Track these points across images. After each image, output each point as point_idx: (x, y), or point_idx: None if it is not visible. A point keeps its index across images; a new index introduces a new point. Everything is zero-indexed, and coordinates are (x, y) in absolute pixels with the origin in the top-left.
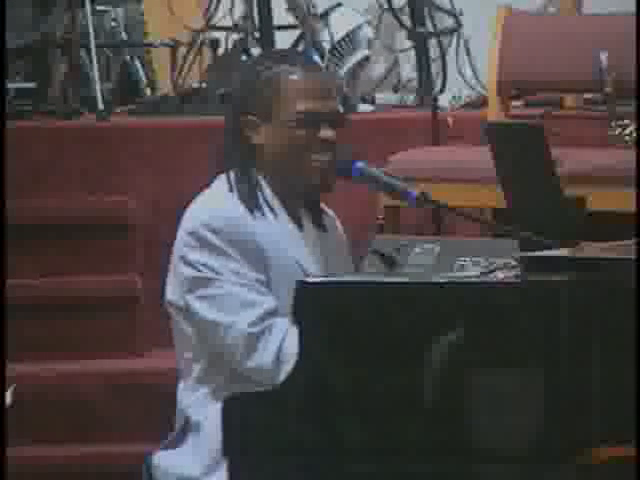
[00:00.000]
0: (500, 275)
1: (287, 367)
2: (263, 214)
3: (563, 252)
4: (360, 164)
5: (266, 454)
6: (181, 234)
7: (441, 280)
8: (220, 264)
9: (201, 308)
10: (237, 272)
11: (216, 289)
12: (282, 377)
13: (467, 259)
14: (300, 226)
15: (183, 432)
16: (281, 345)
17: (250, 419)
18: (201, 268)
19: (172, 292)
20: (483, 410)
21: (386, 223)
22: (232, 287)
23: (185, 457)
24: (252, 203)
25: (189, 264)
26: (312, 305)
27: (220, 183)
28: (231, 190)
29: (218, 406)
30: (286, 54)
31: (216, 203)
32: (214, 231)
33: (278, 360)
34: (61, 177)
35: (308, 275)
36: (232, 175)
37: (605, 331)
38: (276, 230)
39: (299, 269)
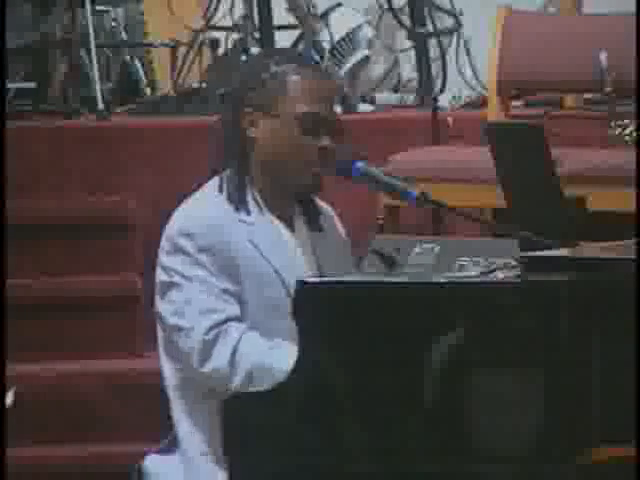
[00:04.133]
0: (500, 275)
1: (241, 370)
2: (249, 214)
3: (563, 252)
4: (360, 164)
5: (266, 454)
6: (162, 238)
7: (441, 280)
8: (189, 271)
9: (165, 312)
10: (204, 280)
11: (180, 295)
12: (237, 379)
13: (467, 259)
14: (291, 226)
15: (171, 444)
16: (236, 347)
17: (250, 419)
18: (171, 273)
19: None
20: (483, 410)
21: (386, 223)
22: (196, 294)
23: (174, 466)
24: (239, 202)
25: (163, 268)
26: (312, 305)
27: (212, 184)
28: (221, 189)
29: (191, 423)
30: (295, 54)
31: (198, 208)
32: (188, 237)
33: (233, 362)
34: (61, 177)
35: (286, 282)
36: (225, 175)
37: (605, 331)
38: (258, 234)
39: (276, 278)
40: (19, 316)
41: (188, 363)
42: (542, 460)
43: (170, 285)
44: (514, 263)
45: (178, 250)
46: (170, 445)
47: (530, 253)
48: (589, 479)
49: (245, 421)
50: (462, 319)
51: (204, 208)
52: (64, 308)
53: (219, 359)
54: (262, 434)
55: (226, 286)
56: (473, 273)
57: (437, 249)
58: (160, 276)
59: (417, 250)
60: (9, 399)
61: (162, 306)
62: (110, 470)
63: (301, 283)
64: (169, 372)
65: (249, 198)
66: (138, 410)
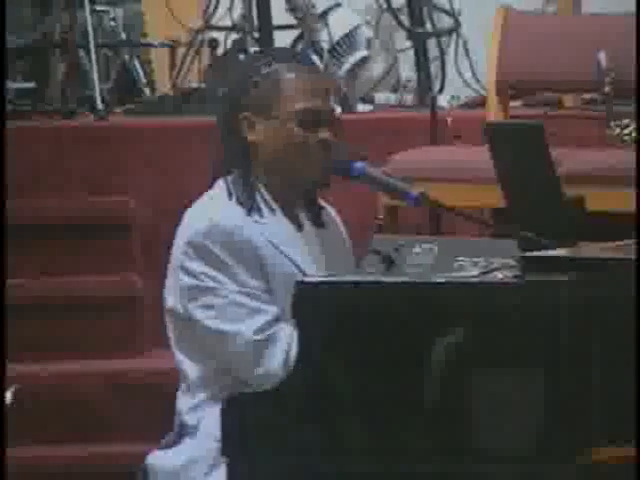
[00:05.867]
0: (499, 275)
1: None
2: (262, 216)
3: (563, 252)
4: (360, 164)
5: (266, 454)
6: (179, 242)
7: (441, 280)
8: (221, 273)
9: (203, 317)
10: (239, 281)
11: (218, 298)
12: None
13: (466, 259)
14: (299, 226)
15: (178, 435)
16: (289, 350)
17: (250, 419)
18: (202, 278)
19: (171, 299)
20: (483, 410)
21: (385, 223)
22: (235, 295)
23: (182, 459)
24: (250, 205)
25: (189, 273)
26: (311, 305)
27: (218, 188)
28: (230, 194)
29: (215, 409)
30: (284, 52)
31: (214, 210)
32: (213, 240)
33: (286, 365)
34: (61, 177)
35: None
36: (230, 178)
37: (605, 331)
38: (275, 234)
39: (298, 272)
40: (19, 316)
41: (233, 366)
42: (542, 460)
43: (202, 289)
44: (514, 263)
45: (205, 254)
46: (175, 441)
47: (530, 253)
48: (589, 479)
49: (245, 421)
50: (462, 319)
51: (221, 210)
52: (64, 308)
53: (272, 362)
54: (262, 434)
55: (260, 285)
56: (473, 273)
57: (436, 249)
58: (188, 281)
59: (416, 250)
60: (8, 398)
61: (196, 312)
62: (110, 470)
63: (301, 283)
64: (189, 366)
65: (258, 199)
66: (138, 410)
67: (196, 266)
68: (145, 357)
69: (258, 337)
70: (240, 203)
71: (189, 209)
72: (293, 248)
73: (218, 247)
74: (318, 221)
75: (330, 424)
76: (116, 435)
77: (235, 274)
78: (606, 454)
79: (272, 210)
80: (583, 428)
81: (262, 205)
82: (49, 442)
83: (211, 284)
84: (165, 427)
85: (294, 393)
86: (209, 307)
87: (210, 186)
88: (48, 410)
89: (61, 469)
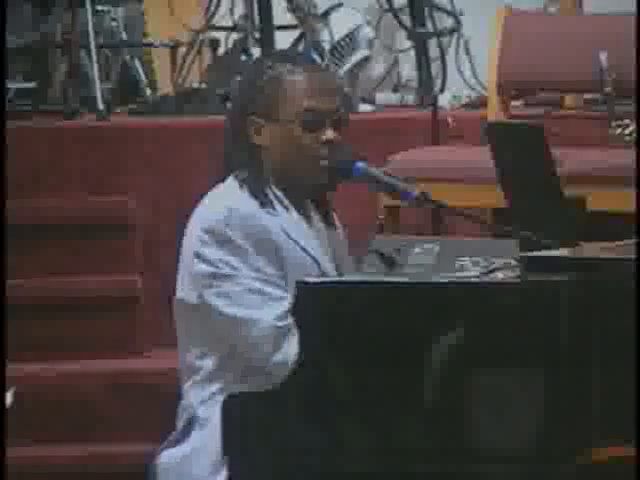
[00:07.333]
0: (500, 275)
1: None
2: (274, 209)
3: (563, 252)
4: (360, 164)
5: (266, 454)
6: (195, 231)
7: (441, 280)
8: (239, 260)
9: (220, 304)
10: (256, 268)
11: (236, 285)
12: None
13: (467, 259)
14: (309, 222)
15: (186, 430)
16: None
17: (250, 419)
18: (219, 264)
19: (183, 290)
20: (483, 410)
21: (386, 223)
22: (253, 283)
23: (192, 455)
24: (264, 198)
25: (205, 260)
26: (312, 305)
27: (231, 182)
28: (242, 188)
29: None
30: (287, 54)
31: (231, 200)
32: (231, 227)
33: None
34: (61, 177)
35: (323, 269)
36: (240, 174)
37: (605, 331)
38: (289, 226)
39: (314, 264)
40: (19, 316)
41: (250, 354)
42: (542, 460)
43: (220, 276)
44: (514, 263)
45: (222, 241)
46: (171, 445)
47: (530, 253)
48: (589, 479)
49: (245, 421)
50: (462, 319)
51: (238, 199)
52: (64, 308)
53: (291, 350)
54: (262, 434)
55: (276, 273)
56: (473, 273)
57: (437, 249)
58: (202, 268)
59: (417, 250)
60: (9, 399)
61: (212, 299)
62: (111, 470)
63: (302, 283)
64: (200, 357)
65: (271, 196)
66: (138, 410)
67: (213, 253)
68: (145, 357)
69: (279, 324)
70: (254, 196)
71: (202, 200)
72: (306, 239)
73: (237, 234)
74: (329, 221)
75: (330, 424)
76: (116, 435)
77: (252, 261)
78: (606, 454)
79: (283, 205)
80: (583, 428)
81: (274, 200)
82: (49, 442)
83: (228, 271)
84: (165, 427)
85: (294, 393)
86: (227, 294)
87: (213, 185)
88: (48, 410)
89: (61, 469)
